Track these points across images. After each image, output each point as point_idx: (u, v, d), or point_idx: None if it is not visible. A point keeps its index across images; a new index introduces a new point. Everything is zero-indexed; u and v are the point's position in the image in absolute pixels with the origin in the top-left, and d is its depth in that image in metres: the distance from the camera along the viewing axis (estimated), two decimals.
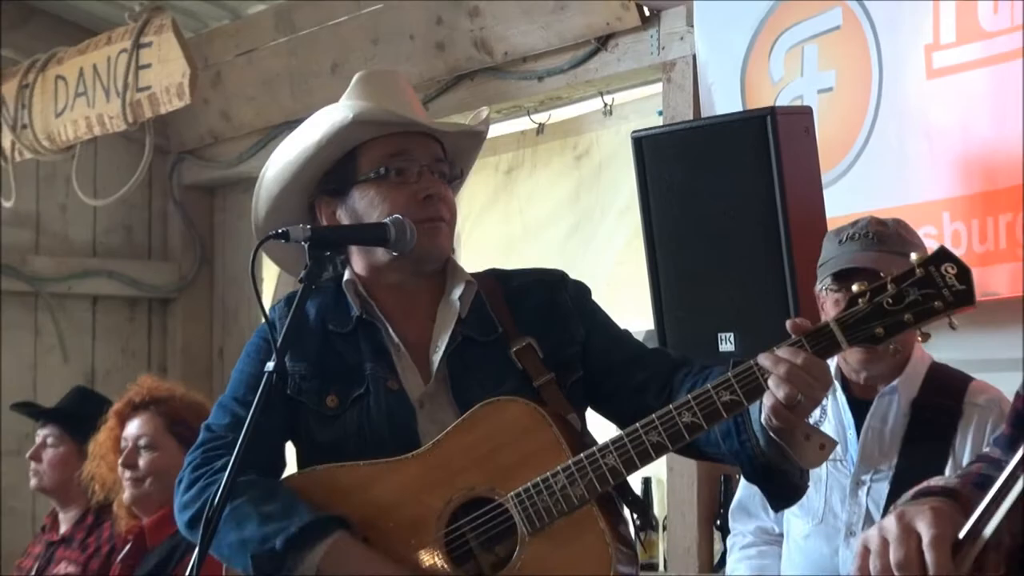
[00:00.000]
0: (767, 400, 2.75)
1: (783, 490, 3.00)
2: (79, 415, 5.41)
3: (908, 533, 1.89)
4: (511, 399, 3.07)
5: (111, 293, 8.07)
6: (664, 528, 5.67)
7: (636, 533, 3.22)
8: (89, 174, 7.14)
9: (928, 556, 1.86)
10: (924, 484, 2.11)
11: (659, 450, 2.90)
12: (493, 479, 3.02)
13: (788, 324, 2.76)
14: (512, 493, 2.98)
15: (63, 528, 5.33)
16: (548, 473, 2.95)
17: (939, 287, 2.67)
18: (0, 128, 6.62)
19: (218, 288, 8.21)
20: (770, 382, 2.73)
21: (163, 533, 4.44)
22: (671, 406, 2.86)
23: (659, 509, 5.74)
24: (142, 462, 4.51)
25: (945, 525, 1.88)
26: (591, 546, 2.96)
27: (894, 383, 3.86)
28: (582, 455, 2.93)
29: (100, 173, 7.42)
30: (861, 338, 2.73)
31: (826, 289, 3.82)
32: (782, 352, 2.73)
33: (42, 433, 5.45)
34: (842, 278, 3.73)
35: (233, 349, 7.72)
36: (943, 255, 2.69)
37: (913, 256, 2.71)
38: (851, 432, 3.88)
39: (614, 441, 2.92)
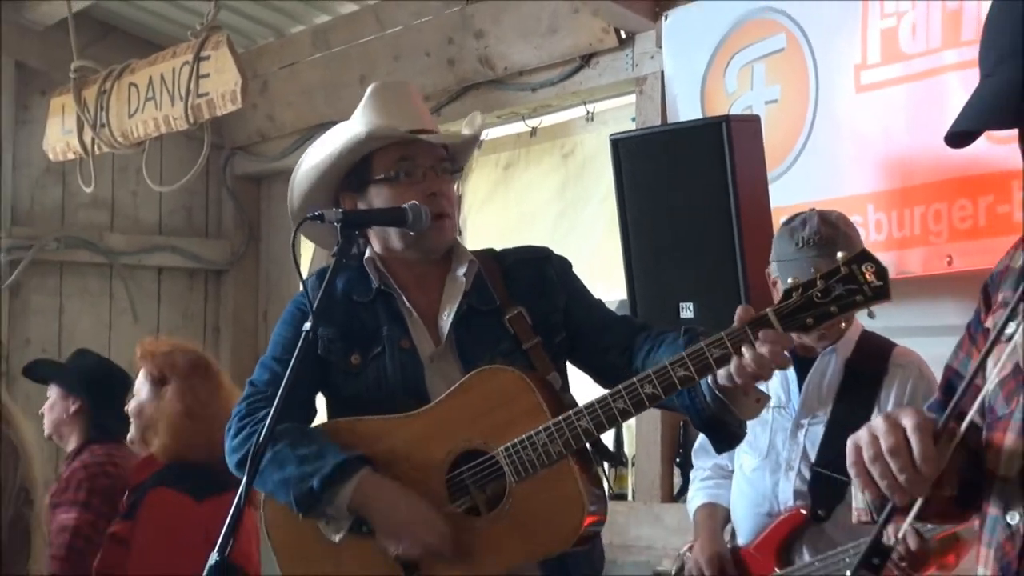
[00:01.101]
0: (724, 371, 2.75)
1: (724, 436, 3.01)
2: (64, 367, 5.42)
3: (895, 426, 1.88)
4: (502, 368, 3.08)
5: (174, 265, 8.07)
6: (633, 465, 5.70)
7: (606, 478, 3.24)
8: (156, 165, 7.11)
9: (913, 440, 1.85)
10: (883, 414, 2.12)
11: (624, 415, 2.92)
12: (486, 435, 3.04)
13: (737, 313, 2.76)
14: (502, 447, 3.00)
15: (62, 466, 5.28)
16: (532, 432, 2.96)
17: (860, 283, 2.65)
18: (83, 126, 6.59)
19: (263, 262, 8.20)
20: (747, 365, 2.72)
21: (143, 474, 4.40)
22: (635, 379, 2.87)
23: (629, 449, 5.75)
24: (130, 406, 4.48)
25: (926, 417, 1.89)
26: (567, 492, 2.98)
27: (833, 346, 3.87)
28: (560, 417, 2.94)
29: (166, 164, 7.41)
30: (794, 326, 2.73)
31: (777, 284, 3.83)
32: (767, 335, 2.71)
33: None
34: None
35: (276, 314, 7.70)
36: (864, 256, 2.68)
37: (839, 255, 2.70)
38: (794, 385, 3.88)
39: (587, 406, 2.93)
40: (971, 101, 1.90)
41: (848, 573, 2.06)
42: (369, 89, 3.35)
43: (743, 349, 2.73)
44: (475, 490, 3.05)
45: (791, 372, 3.89)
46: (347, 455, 3.05)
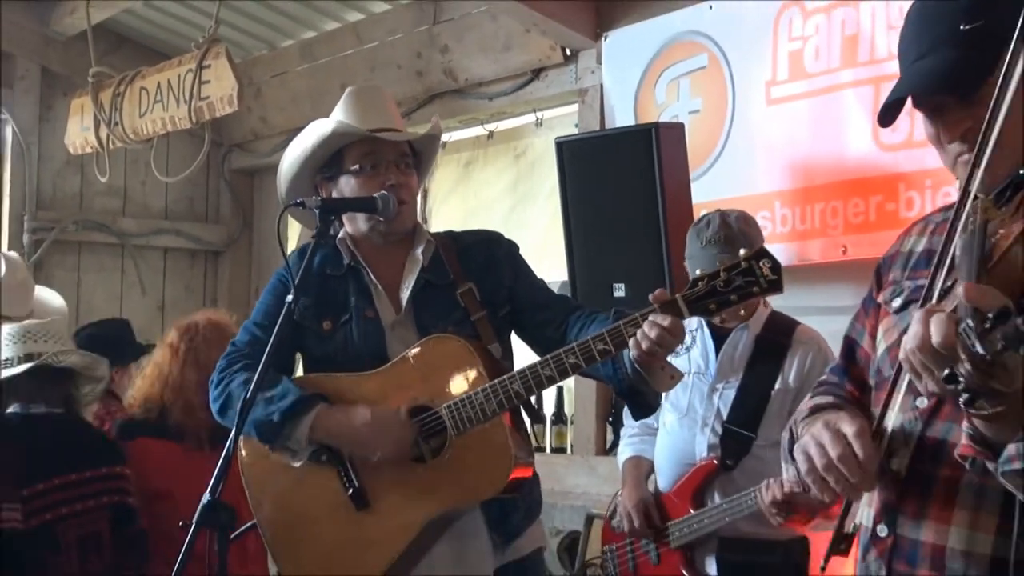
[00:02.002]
0: (636, 348, 2.76)
1: (641, 404, 3.03)
2: None
3: (837, 435, 1.87)
4: (449, 336, 3.08)
5: (178, 246, 8.01)
6: (571, 423, 5.70)
7: (534, 429, 3.24)
8: (163, 159, 7.06)
9: (856, 446, 1.84)
10: (810, 405, 2.10)
11: (551, 381, 2.93)
12: (432, 394, 3.05)
13: (651, 297, 2.76)
14: (445, 405, 3.01)
15: None
16: (471, 393, 2.98)
17: (757, 276, 2.67)
18: (99, 124, 6.54)
19: (255, 244, 8.16)
20: (642, 340, 2.73)
21: None
22: (561, 350, 2.87)
23: (568, 409, 5.75)
24: None
25: (861, 421, 1.88)
26: (499, 445, 3.00)
27: (746, 323, 3.88)
28: (496, 381, 2.95)
29: (171, 158, 7.33)
30: (698, 311, 2.74)
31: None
32: (656, 318, 2.73)
33: None
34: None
35: None
36: (762, 253, 2.69)
37: (742, 251, 2.71)
38: (712, 354, 3.89)
39: (519, 372, 2.94)
40: (907, 76, 1.95)
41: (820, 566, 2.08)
42: (346, 92, 3.34)
43: (644, 325, 2.74)
44: (421, 440, 3.05)
45: (710, 343, 3.91)
46: (305, 393, 3.06)
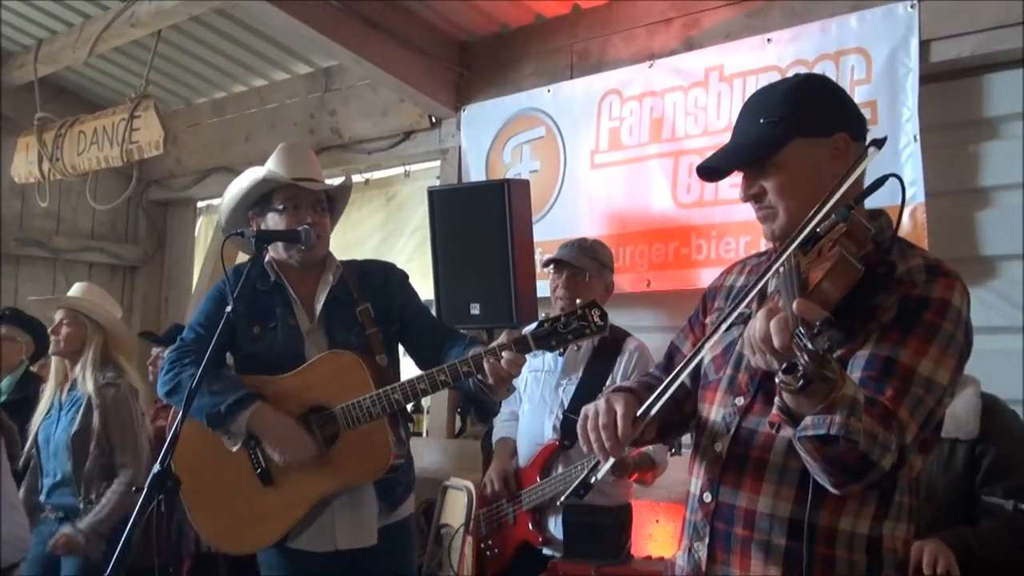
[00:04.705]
0: (491, 372, 2.81)
1: (483, 410, 3.14)
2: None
3: (609, 408, 1.93)
4: (344, 352, 3.09)
5: (101, 261, 7.71)
6: (428, 412, 5.70)
7: (407, 427, 3.26)
8: (94, 189, 6.82)
9: (619, 423, 1.90)
10: (616, 386, 2.15)
11: (424, 393, 2.97)
12: (329, 397, 3.05)
13: (503, 336, 2.82)
14: (339, 406, 3.02)
15: None
16: (360, 398, 2.99)
17: (589, 322, 2.76)
18: (42, 159, 6.29)
19: (166, 262, 7.89)
20: (494, 366, 2.80)
21: None
22: (434, 369, 2.91)
23: (425, 402, 5.73)
24: None
25: (630, 406, 1.93)
26: (380, 439, 3.03)
27: None
28: (380, 391, 2.98)
29: (100, 189, 7.07)
30: (543, 346, 2.81)
31: (549, 271, 3.95)
32: (505, 355, 2.79)
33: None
34: (554, 263, 3.89)
35: (175, 299, 7.49)
36: (594, 304, 2.79)
37: (578, 301, 2.80)
38: (559, 357, 3.95)
39: (400, 384, 2.97)
40: (719, 152, 2.03)
41: (562, 499, 2.18)
42: (280, 146, 3.30)
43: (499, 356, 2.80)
44: (318, 432, 3.05)
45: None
46: (248, 391, 3.03)
